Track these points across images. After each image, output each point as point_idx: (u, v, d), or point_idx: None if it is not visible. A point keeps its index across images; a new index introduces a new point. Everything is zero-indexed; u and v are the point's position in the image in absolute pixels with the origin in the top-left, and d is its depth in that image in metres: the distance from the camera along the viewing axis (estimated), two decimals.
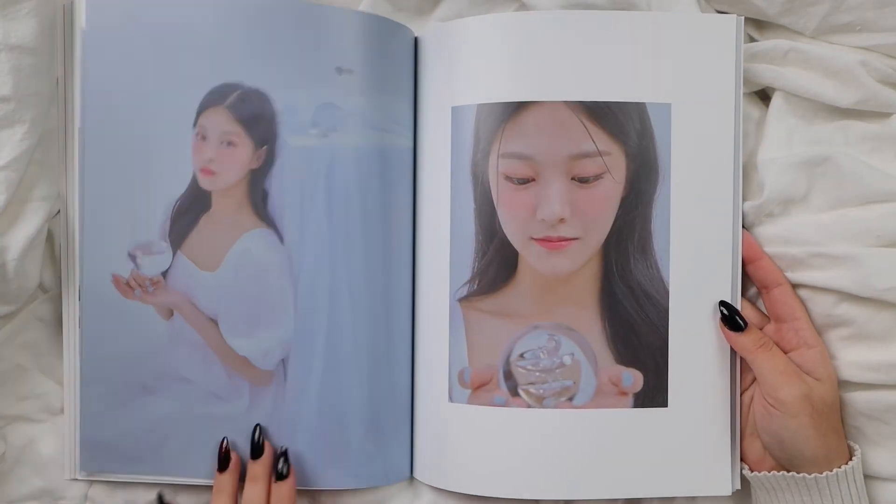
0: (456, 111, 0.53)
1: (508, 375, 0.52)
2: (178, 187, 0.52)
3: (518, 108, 0.51)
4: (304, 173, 0.53)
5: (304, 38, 0.52)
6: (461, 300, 0.53)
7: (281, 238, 0.53)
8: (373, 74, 0.53)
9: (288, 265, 0.53)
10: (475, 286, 0.52)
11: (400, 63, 0.54)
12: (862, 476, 0.49)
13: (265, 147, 0.53)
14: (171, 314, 0.53)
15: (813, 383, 0.49)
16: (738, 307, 0.52)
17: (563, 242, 0.51)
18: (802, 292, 0.52)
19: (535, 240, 0.52)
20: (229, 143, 0.53)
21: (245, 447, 0.53)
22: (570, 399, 0.52)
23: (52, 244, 0.54)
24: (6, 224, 0.50)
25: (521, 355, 0.52)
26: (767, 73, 0.54)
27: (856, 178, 0.51)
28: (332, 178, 0.53)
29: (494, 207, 0.52)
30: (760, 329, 0.52)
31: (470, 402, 0.52)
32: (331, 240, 0.53)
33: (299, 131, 0.52)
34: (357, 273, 0.53)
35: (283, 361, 0.53)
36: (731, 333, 0.51)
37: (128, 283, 0.53)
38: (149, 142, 0.52)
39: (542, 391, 0.52)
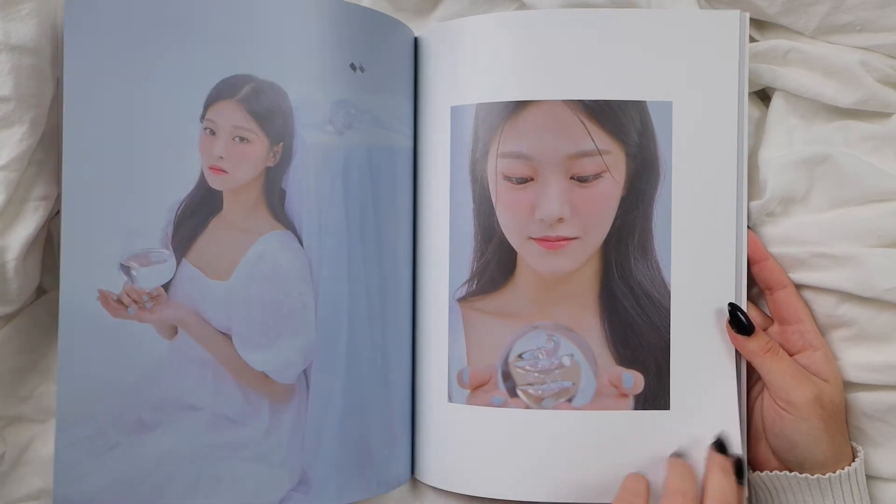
0: (455, 111, 0.53)
1: (507, 376, 0.52)
2: (183, 188, 0.48)
3: (517, 107, 0.51)
4: (322, 172, 0.49)
5: (317, 33, 0.49)
6: (460, 300, 0.52)
7: (300, 240, 0.49)
8: (380, 73, 0.52)
9: (308, 269, 0.49)
10: (474, 286, 0.52)
11: (401, 62, 0.54)
12: (864, 477, 0.49)
13: (281, 144, 0.49)
14: (175, 333, 0.48)
15: (822, 385, 0.49)
16: (745, 309, 0.51)
17: (561, 242, 0.51)
18: (804, 293, 0.52)
19: (534, 239, 0.51)
20: (242, 139, 0.49)
21: (268, 473, 0.48)
22: (570, 400, 0.51)
23: (52, 244, 0.54)
24: (6, 224, 0.50)
25: (520, 356, 0.52)
26: (767, 73, 0.54)
27: (856, 177, 0.50)
28: (349, 178, 0.50)
29: (493, 207, 0.52)
30: (764, 331, 0.51)
31: (469, 402, 0.52)
32: (349, 241, 0.50)
33: (316, 128, 0.49)
34: (373, 274, 0.51)
35: (305, 372, 0.49)
36: (739, 337, 0.50)
37: (119, 300, 0.47)
38: (146, 137, 0.47)
39: (540, 392, 0.52)
